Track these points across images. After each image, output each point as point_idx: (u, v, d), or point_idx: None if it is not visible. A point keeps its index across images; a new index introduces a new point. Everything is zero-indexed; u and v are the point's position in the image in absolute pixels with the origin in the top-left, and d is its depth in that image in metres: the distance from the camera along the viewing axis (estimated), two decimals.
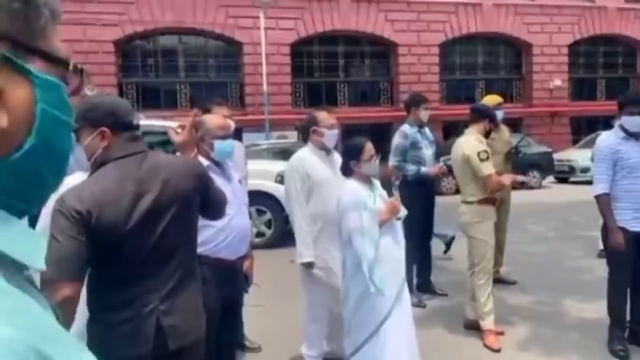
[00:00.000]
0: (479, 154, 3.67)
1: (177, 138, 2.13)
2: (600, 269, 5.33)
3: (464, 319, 3.99)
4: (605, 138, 3.47)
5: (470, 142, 3.77)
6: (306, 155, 3.24)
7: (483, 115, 3.94)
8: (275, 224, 7.02)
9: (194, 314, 1.75)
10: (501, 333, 3.79)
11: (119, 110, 1.69)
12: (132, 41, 16.94)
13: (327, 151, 3.26)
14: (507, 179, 3.89)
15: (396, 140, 4.65)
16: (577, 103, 20.48)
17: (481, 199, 3.74)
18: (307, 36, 17.73)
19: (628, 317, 3.49)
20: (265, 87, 15.19)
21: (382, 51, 19.09)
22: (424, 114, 4.66)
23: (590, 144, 14.76)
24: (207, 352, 2.46)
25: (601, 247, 5.98)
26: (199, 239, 2.35)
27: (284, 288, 4.49)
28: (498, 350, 3.55)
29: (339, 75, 18.81)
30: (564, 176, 14.19)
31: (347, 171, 2.87)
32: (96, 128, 1.64)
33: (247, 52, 17.03)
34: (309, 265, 3.13)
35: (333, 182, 3.15)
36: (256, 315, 3.80)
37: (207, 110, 3.45)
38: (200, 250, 2.34)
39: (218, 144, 2.49)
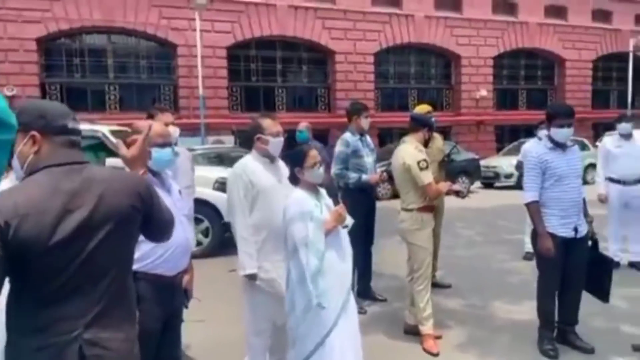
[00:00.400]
0: (418, 163, 3.76)
1: (126, 153, 2.00)
2: (527, 271, 5.65)
3: (404, 324, 4.07)
4: (534, 147, 3.67)
5: (409, 151, 3.85)
6: (250, 162, 3.16)
7: (422, 124, 4.05)
8: (213, 232, 6.83)
9: (124, 342, 1.60)
10: (439, 337, 3.90)
11: (48, 113, 1.56)
12: (57, 39, 15.98)
13: (272, 159, 3.19)
14: (444, 187, 4.01)
15: (338, 148, 4.68)
16: (500, 112, 21.73)
17: (421, 206, 3.83)
18: (244, 40, 17.54)
19: (556, 318, 3.69)
20: (200, 91, 14.85)
21: (320, 58, 19.28)
22: (365, 122, 4.73)
23: (513, 152, 15.70)
24: None
25: (527, 249, 6.34)
26: (136, 254, 2.22)
27: (224, 299, 4.36)
28: (437, 355, 3.65)
29: (276, 80, 18.76)
30: (490, 182, 14.98)
31: (294, 179, 2.83)
32: (27, 133, 1.52)
33: (182, 54, 16.59)
34: (252, 277, 3.05)
35: (278, 190, 3.09)
36: (196, 328, 3.66)
37: (150, 117, 3.30)
38: (137, 266, 2.21)
39: (156, 152, 2.37)
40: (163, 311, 2.30)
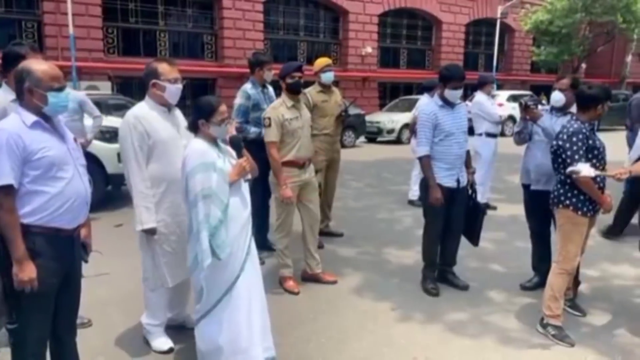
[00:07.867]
0: (264, 119, 3.83)
1: None
2: (410, 220, 6.13)
3: (302, 271, 4.21)
4: (426, 105, 3.88)
5: (270, 106, 3.91)
6: (144, 111, 2.93)
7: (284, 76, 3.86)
8: (95, 185, 6.33)
9: None
10: (334, 282, 4.13)
11: None
12: None
13: (169, 107, 3.00)
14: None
15: (238, 100, 4.54)
16: (384, 70, 22.56)
17: (284, 161, 3.82)
18: None
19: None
20: (71, 29, 13.32)
21: (205, 2, 18.21)
22: (268, 75, 4.62)
23: (394, 108, 16.57)
24: (43, 331, 2.17)
25: (410, 197, 6.89)
26: (28, 207, 2.04)
27: (120, 253, 4.14)
28: (297, 293, 3.90)
29: (158, 23, 17.42)
30: (373, 136, 15.69)
31: (194, 129, 2.71)
32: None
33: None
34: (150, 232, 2.91)
35: (177, 141, 2.94)
36: (86, 286, 3.44)
37: (20, 57, 2.88)
38: (31, 219, 2.08)
39: (54, 97, 2.13)
40: (61, 266, 2.17)
